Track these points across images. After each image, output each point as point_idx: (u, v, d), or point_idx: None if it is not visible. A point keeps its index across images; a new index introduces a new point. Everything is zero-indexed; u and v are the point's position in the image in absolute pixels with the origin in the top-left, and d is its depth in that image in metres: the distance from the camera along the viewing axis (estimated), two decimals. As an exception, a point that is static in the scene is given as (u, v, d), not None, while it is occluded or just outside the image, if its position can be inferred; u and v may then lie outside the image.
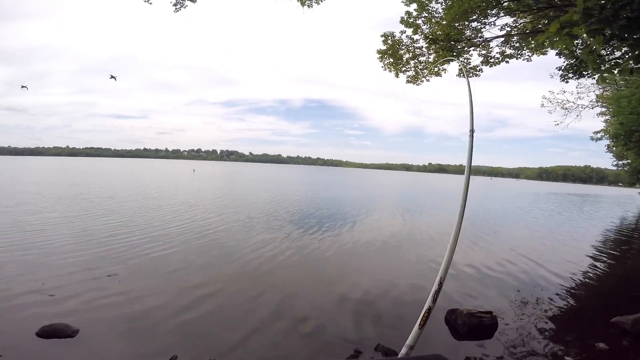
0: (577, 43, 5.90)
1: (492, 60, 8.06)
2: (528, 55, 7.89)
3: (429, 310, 1.04)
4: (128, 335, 3.60)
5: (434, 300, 1.04)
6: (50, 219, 9.24)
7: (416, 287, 5.45)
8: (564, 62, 7.34)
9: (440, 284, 1.17)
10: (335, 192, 24.21)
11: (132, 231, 8.21)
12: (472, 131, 1.98)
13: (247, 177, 41.29)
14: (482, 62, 8.22)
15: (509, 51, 7.93)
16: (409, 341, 1.01)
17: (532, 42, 7.34)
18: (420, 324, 1.01)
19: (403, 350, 0.97)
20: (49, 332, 3.43)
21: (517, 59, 8.00)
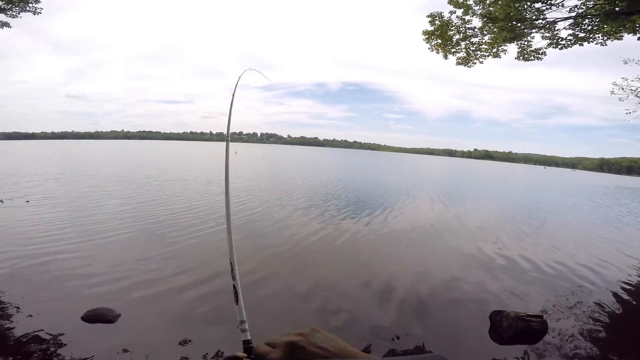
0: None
1: (563, 43, 7.05)
2: (602, 39, 6.81)
3: (234, 287, 0.99)
4: (169, 320, 3.72)
5: (233, 277, 0.98)
6: (115, 202, 9.93)
7: (453, 282, 5.22)
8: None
9: (231, 263, 1.07)
10: (371, 176, 23.69)
11: (185, 215, 8.57)
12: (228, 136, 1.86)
13: (286, 160, 41.78)
14: (549, 45, 7.25)
15: (580, 34, 6.89)
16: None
17: (606, 25, 6.28)
18: (235, 300, 0.97)
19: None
20: (93, 317, 3.65)
21: (588, 42, 6.94)
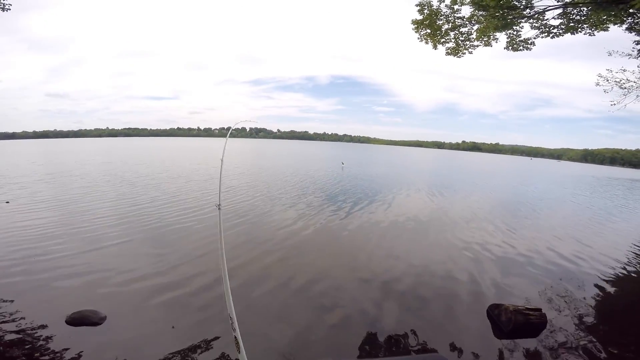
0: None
1: (554, 32, 7.08)
2: (590, 30, 6.89)
3: (235, 338, 1.03)
4: (157, 322, 3.60)
5: (234, 329, 1.04)
6: (98, 203, 9.60)
7: (448, 275, 5.22)
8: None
9: (231, 317, 1.13)
10: (359, 168, 23.67)
11: (173, 214, 8.36)
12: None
13: (275, 154, 41.34)
14: (539, 34, 7.27)
15: (570, 24, 6.95)
16: None
17: (593, 15, 6.37)
18: (237, 349, 0.99)
19: None
20: (77, 320, 3.51)
21: (577, 32, 7.02)
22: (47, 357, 2.93)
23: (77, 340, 3.19)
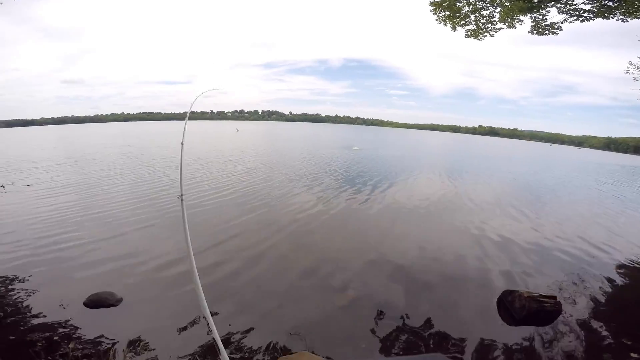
0: None
1: (585, 15, 6.60)
2: (622, 17, 6.39)
3: (213, 339, 0.92)
4: (173, 304, 3.72)
5: (210, 330, 0.93)
6: (117, 187, 9.84)
7: (461, 260, 5.19)
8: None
9: (206, 317, 1.04)
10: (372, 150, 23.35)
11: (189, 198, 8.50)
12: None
13: (288, 137, 41.06)
14: (569, 17, 6.79)
15: (600, 9, 6.46)
16: None
17: (626, 2, 5.91)
18: (217, 351, 0.88)
19: None
20: (95, 302, 3.66)
21: (609, 17, 6.53)
22: (67, 339, 3.06)
23: (95, 322, 3.33)
